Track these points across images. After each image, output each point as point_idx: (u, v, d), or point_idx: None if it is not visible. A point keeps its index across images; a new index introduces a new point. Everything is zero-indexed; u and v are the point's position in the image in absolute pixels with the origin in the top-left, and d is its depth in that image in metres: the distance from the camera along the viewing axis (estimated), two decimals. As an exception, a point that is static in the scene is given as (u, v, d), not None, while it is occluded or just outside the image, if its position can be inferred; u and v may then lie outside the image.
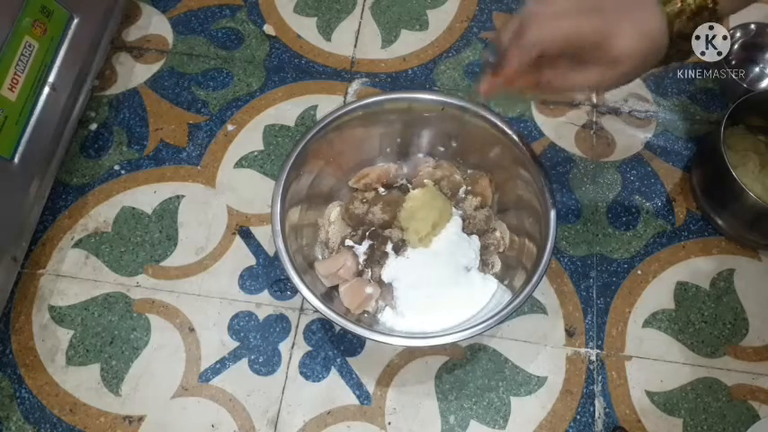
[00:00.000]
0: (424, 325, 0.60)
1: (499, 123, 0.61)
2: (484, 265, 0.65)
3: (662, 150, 0.75)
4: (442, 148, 0.69)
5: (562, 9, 0.38)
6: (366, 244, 0.64)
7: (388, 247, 0.64)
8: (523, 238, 0.63)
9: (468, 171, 0.69)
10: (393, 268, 0.63)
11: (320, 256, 0.66)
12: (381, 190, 0.68)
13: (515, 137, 0.60)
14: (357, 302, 0.61)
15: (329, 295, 0.62)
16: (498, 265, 0.65)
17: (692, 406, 0.63)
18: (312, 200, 0.65)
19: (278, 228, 0.57)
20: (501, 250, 0.65)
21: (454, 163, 0.69)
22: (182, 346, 0.66)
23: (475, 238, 0.65)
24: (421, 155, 0.70)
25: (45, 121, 0.66)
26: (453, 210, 0.66)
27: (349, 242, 0.65)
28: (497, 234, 0.66)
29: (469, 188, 0.68)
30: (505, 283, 0.62)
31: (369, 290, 0.62)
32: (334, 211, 0.67)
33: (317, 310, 0.54)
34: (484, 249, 0.65)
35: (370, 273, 0.64)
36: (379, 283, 0.63)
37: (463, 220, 0.65)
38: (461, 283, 0.62)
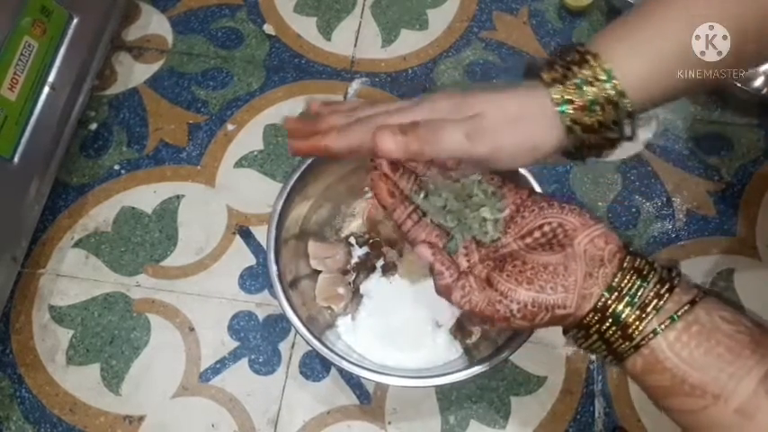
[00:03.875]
0: (369, 350, 0.58)
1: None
2: (459, 330, 0.61)
3: (662, 150, 0.75)
4: None
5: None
6: (364, 249, 0.64)
7: (379, 263, 0.63)
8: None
9: None
10: (372, 284, 0.62)
11: (327, 236, 0.65)
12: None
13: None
14: (326, 296, 0.61)
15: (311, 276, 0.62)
16: (476, 337, 0.61)
17: (691, 406, 0.63)
18: (346, 183, 0.63)
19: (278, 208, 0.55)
20: (487, 326, 0.62)
21: None
22: (182, 345, 0.66)
23: None
24: None
25: (45, 120, 0.66)
26: None
27: (353, 240, 0.65)
28: None
29: None
30: (474, 353, 0.59)
31: (341, 290, 0.62)
32: (361, 205, 0.67)
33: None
34: (468, 317, 0.61)
35: (353, 276, 0.64)
36: (355, 290, 0.63)
37: None
38: (423, 334, 0.60)
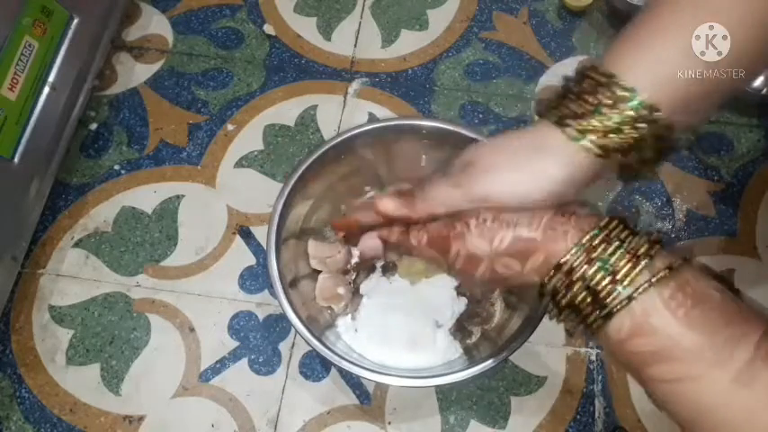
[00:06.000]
0: (369, 350, 0.58)
1: None
2: (458, 331, 0.61)
3: (662, 150, 0.75)
4: None
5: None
6: None
7: (379, 263, 0.63)
8: (513, 319, 0.59)
9: None
10: (372, 284, 0.62)
11: (327, 236, 0.65)
12: None
13: None
14: (326, 296, 0.61)
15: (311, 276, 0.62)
16: (476, 337, 0.61)
17: (691, 406, 0.63)
18: (347, 183, 0.63)
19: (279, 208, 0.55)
20: (487, 327, 0.62)
21: None
22: (182, 345, 0.66)
23: (463, 300, 0.62)
24: None
25: (45, 120, 0.66)
26: None
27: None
28: (491, 309, 0.62)
29: None
30: (474, 353, 0.59)
31: (341, 290, 0.62)
32: None
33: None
34: (469, 317, 0.62)
35: (353, 276, 0.64)
36: (355, 290, 0.63)
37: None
38: (423, 334, 0.59)
